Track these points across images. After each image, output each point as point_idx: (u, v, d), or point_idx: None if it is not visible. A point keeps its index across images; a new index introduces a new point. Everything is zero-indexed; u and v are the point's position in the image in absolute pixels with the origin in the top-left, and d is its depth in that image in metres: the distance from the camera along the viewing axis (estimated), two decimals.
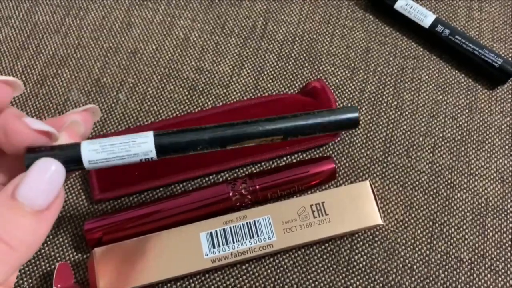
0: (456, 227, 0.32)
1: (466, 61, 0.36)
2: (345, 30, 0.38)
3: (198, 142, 0.19)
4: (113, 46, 0.38)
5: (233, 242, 0.28)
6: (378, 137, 0.34)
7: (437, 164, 0.34)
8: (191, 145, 0.19)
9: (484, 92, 0.36)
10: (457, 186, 0.33)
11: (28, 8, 0.39)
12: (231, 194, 0.30)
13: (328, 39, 0.38)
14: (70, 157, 0.18)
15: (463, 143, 0.34)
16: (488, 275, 0.30)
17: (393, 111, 0.35)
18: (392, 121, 0.35)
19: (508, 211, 0.32)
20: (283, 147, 0.33)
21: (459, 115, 0.35)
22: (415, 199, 0.32)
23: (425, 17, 0.37)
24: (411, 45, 0.38)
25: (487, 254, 0.31)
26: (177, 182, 0.33)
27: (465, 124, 0.35)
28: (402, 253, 0.31)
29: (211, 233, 0.28)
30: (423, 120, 0.35)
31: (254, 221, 0.29)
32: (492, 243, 0.31)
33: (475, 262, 0.31)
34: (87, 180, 0.33)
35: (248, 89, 0.36)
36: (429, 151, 0.34)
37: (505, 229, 0.32)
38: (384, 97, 0.36)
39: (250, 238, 0.28)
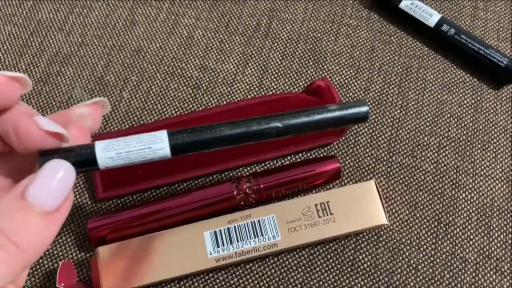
0: (461, 228, 0.32)
1: (472, 60, 0.36)
2: (349, 29, 0.38)
3: (215, 141, 0.19)
4: (117, 44, 0.38)
5: (237, 241, 0.28)
6: (383, 137, 0.34)
7: (442, 164, 0.33)
8: (207, 144, 0.19)
9: (490, 92, 0.36)
10: (462, 186, 0.33)
11: (31, 5, 0.39)
12: (235, 193, 0.30)
13: (332, 38, 0.38)
14: (85, 162, 0.18)
15: (468, 143, 0.34)
16: (494, 276, 0.30)
17: (398, 111, 0.35)
18: (397, 120, 0.35)
19: None
20: (287, 146, 0.33)
21: (464, 115, 0.35)
22: (420, 199, 0.32)
23: (430, 16, 0.37)
24: (416, 44, 0.38)
25: (492, 254, 0.31)
26: (180, 181, 0.33)
27: (470, 124, 0.35)
28: (407, 253, 0.31)
29: (215, 232, 0.28)
30: (428, 119, 0.35)
31: (259, 220, 0.29)
32: (498, 243, 0.31)
33: (480, 263, 0.31)
34: (90, 179, 0.33)
35: (252, 88, 0.36)
36: (434, 151, 0.34)
37: (510, 230, 0.31)
38: (389, 96, 0.36)
39: (255, 237, 0.28)
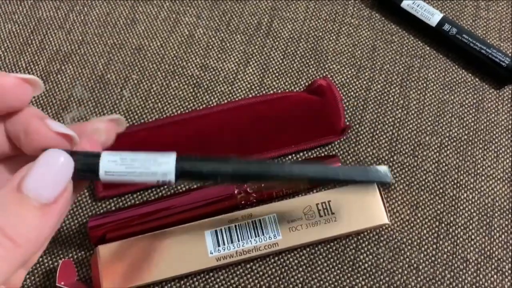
0: (462, 227, 0.31)
1: (473, 60, 0.36)
2: (351, 28, 0.38)
3: (220, 173, 0.19)
4: (118, 42, 0.37)
5: (238, 241, 0.28)
6: (384, 136, 0.34)
7: (444, 164, 0.33)
8: (211, 175, 0.19)
9: (491, 92, 0.36)
10: (463, 186, 0.33)
11: (31, 3, 0.39)
12: (236, 192, 0.30)
13: (334, 37, 0.38)
14: (87, 164, 0.18)
15: (470, 143, 0.34)
16: (495, 276, 0.30)
17: (399, 110, 0.35)
18: (398, 120, 0.35)
19: None
20: (288, 146, 0.33)
21: (465, 115, 0.35)
22: (421, 198, 0.32)
23: (432, 16, 0.37)
24: (418, 43, 0.38)
25: (494, 254, 0.31)
26: None
27: (472, 124, 0.35)
28: (408, 253, 0.31)
29: (216, 231, 0.28)
30: (430, 119, 0.35)
31: (260, 220, 0.28)
32: (499, 243, 0.31)
33: (482, 263, 0.31)
34: None
35: (253, 87, 0.36)
36: (435, 151, 0.34)
37: (511, 230, 0.31)
38: (390, 96, 0.36)
39: (255, 236, 0.28)
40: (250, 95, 0.36)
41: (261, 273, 0.30)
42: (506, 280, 0.30)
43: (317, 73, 0.36)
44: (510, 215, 0.32)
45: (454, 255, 0.31)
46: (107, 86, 0.36)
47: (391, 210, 0.32)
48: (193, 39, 0.38)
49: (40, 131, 0.17)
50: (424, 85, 0.36)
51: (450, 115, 0.35)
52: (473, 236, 0.31)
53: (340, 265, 0.30)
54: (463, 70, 0.37)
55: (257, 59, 0.37)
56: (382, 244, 0.31)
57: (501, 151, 0.34)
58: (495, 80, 0.36)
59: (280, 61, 0.37)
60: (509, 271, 0.30)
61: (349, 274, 0.30)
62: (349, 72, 0.36)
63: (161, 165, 0.18)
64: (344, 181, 0.21)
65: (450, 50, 0.37)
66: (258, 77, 0.36)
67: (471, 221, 0.32)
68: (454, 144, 0.34)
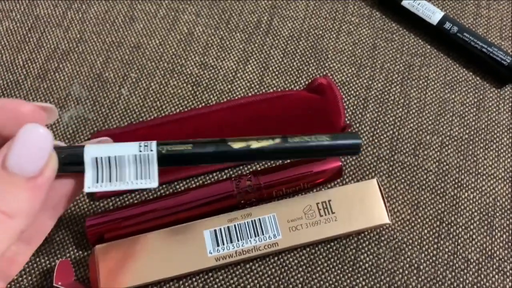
0: (463, 227, 0.31)
1: (474, 59, 0.36)
2: (351, 26, 0.38)
3: (201, 154, 0.20)
4: (116, 40, 0.37)
5: (238, 240, 0.28)
6: (385, 135, 0.34)
7: (445, 163, 0.33)
8: (192, 156, 0.20)
9: (492, 91, 0.36)
10: (464, 185, 0.32)
11: (29, 1, 0.38)
12: (235, 191, 0.30)
13: (334, 35, 0.38)
14: (72, 153, 0.19)
15: (471, 142, 0.34)
16: (496, 276, 0.30)
17: (400, 109, 0.35)
18: (399, 119, 0.34)
19: None
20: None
21: (466, 114, 0.35)
22: (422, 198, 0.32)
23: (433, 14, 0.36)
24: (419, 42, 0.37)
25: (495, 254, 0.31)
26: (180, 179, 0.32)
27: (473, 123, 0.34)
28: (409, 253, 0.30)
29: (215, 231, 0.28)
30: (430, 118, 0.35)
31: (259, 219, 0.28)
32: (500, 243, 0.31)
33: (483, 263, 0.30)
34: None
35: (253, 85, 0.36)
36: (436, 150, 0.33)
37: None
38: (390, 94, 0.35)
39: (255, 236, 0.28)
40: (250, 94, 0.35)
41: (260, 273, 0.30)
42: (508, 280, 0.30)
43: (317, 71, 0.36)
44: (511, 215, 0.32)
45: (455, 255, 0.30)
46: (105, 85, 0.35)
47: (392, 209, 0.32)
48: (192, 37, 0.37)
49: (16, 108, 0.17)
50: (425, 84, 0.36)
51: (451, 114, 0.35)
52: (474, 236, 0.31)
53: (340, 265, 0.30)
54: (464, 69, 0.36)
55: (256, 58, 0.37)
56: (382, 244, 0.31)
57: (502, 150, 0.34)
58: (496, 79, 0.36)
59: (280, 60, 0.37)
60: (511, 271, 0.30)
61: (349, 274, 0.30)
62: (350, 70, 0.36)
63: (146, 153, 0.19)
64: (311, 152, 0.21)
65: (451, 48, 0.37)
66: (258, 75, 0.36)
67: (472, 221, 0.31)
68: (455, 143, 0.34)
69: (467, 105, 0.35)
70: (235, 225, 0.28)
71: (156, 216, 0.30)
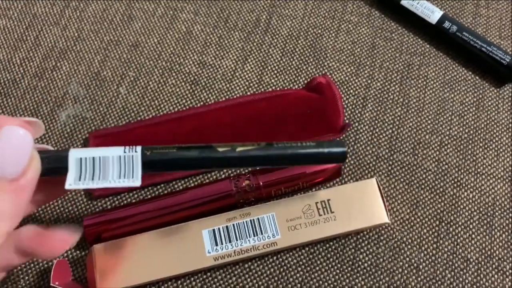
0: (463, 227, 0.31)
1: (474, 58, 0.36)
2: (350, 25, 0.38)
3: (185, 158, 0.20)
4: (114, 39, 0.37)
5: (236, 240, 0.28)
6: (384, 135, 0.34)
7: (444, 163, 0.33)
8: (177, 161, 0.20)
9: (492, 90, 0.36)
10: (464, 185, 0.32)
11: None
12: (234, 190, 0.30)
13: (333, 34, 0.37)
14: (57, 156, 0.19)
15: (470, 141, 0.34)
16: (495, 276, 0.30)
17: (399, 108, 0.35)
18: (398, 118, 0.34)
19: None
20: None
21: (466, 113, 0.35)
22: (421, 197, 0.32)
23: (432, 13, 0.36)
24: (418, 41, 0.37)
25: (494, 254, 0.30)
26: (178, 179, 0.32)
27: (472, 122, 0.34)
28: (408, 253, 0.30)
29: (213, 230, 0.28)
30: (430, 117, 0.34)
31: (258, 219, 0.28)
32: (500, 243, 0.31)
33: (482, 262, 0.30)
34: None
35: (251, 84, 0.35)
36: (435, 149, 0.33)
37: None
38: (390, 94, 0.35)
39: (254, 235, 0.28)
40: (248, 93, 0.35)
41: (259, 272, 0.30)
42: (507, 279, 0.30)
43: (316, 70, 0.36)
44: (510, 214, 0.32)
45: (455, 255, 0.30)
46: (103, 83, 0.35)
47: (391, 209, 0.32)
48: (191, 36, 0.37)
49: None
50: (424, 83, 0.36)
51: (450, 113, 0.35)
52: (473, 236, 0.31)
53: (339, 265, 0.30)
54: (463, 68, 0.36)
55: (255, 56, 0.36)
56: (382, 244, 0.31)
57: (501, 150, 0.34)
58: (495, 78, 0.36)
59: (279, 59, 0.36)
60: (510, 271, 0.30)
61: (348, 274, 0.30)
62: (349, 69, 0.36)
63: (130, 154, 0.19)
64: (296, 159, 0.21)
65: (450, 48, 0.37)
66: (257, 74, 0.36)
67: (471, 220, 0.31)
68: (454, 142, 0.34)
69: (466, 104, 0.35)
70: (233, 225, 0.28)
71: (154, 215, 0.29)
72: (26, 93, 0.35)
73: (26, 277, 0.29)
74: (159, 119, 0.33)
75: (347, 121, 0.34)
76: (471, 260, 0.30)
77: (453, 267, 0.30)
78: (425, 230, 0.31)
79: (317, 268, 0.30)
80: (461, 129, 0.34)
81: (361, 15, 0.38)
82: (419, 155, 0.33)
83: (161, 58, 0.36)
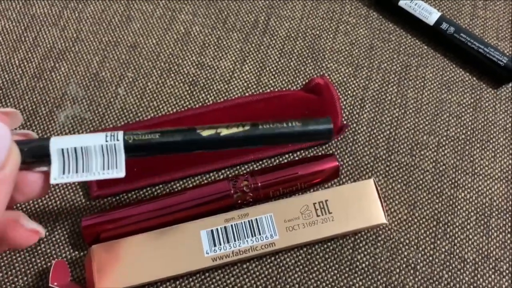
0: (460, 227, 0.31)
1: (471, 59, 0.36)
2: (348, 26, 0.38)
3: (168, 142, 0.20)
4: (113, 40, 0.37)
5: (235, 240, 0.28)
6: (382, 135, 0.34)
7: (441, 163, 0.33)
8: (160, 145, 0.20)
9: (489, 91, 0.36)
10: (461, 185, 0.32)
11: (25, 0, 0.38)
12: (232, 191, 0.30)
13: (331, 35, 0.38)
14: (38, 145, 0.19)
15: (467, 142, 0.34)
16: (492, 276, 0.30)
17: (397, 109, 0.35)
18: (396, 119, 0.35)
19: None
20: (285, 145, 0.33)
21: (463, 114, 0.35)
22: (418, 198, 0.32)
23: (430, 15, 0.36)
24: (415, 42, 0.37)
25: (491, 254, 0.31)
26: (177, 179, 0.32)
27: (470, 123, 0.35)
28: (406, 253, 0.30)
29: (212, 231, 0.28)
30: (427, 118, 0.35)
31: (256, 219, 0.28)
32: (497, 243, 0.31)
33: (479, 263, 0.30)
34: None
35: (250, 85, 0.36)
36: (433, 150, 0.34)
37: (509, 230, 0.31)
38: (387, 95, 0.35)
39: (252, 236, 0.28)
40: (247, 94, 0.35)
41: (257, 273, 0.30)
42: (504, 280, 0.30)
43: (314, 71, 0.36)
44: (507, 215, 0.32)
45: (452, 255, 0.31)
46: (101, 84, 0.35)
47: (389, 209, 0.32)
48: (189, 37, 0.37)
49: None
50: (422, 84, 0.36)
51: (447, 114, 0.35)
52: (470, 236, 0.31)
53: (337, 265, 0.30)
54: (461, 69, 0.36)
55: (254, 57, 0.37)
56: (379, 244, 0.31)
57: (498, 151, 0.34)
58: (492, 79, 0.36)
59: (277, 60, 0.36)
60: (507, 271, 0.30)
61: (346, 274, 0.30)
62: (347, 70, 0.36)
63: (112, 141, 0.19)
64: (282, 138, 0.20)
65: (448, 49, 0.37)
66: (255, 75, 0.36)
67: (468, 221, 0.31)
68: (452, 143, 0.34)
69: (463, 105, 0.35)
70: (232, 225, 0.28)
71: (152, 216, 0.30)
72: (25, 94, 0.35)
73: (25, 278, 0.29)
74: (157, 120, 0.33)
75: (345, 122, 0.34)
76: (468, 260, 0.30)
77: (451, 267, 0.30)
78: (422, 231, 0.31)
79: (315, 268, 0.30)
80: (458, 130, 0.34)
81: (359, 16, 0.38)
82: (416, 156, 0.33)
83: (159, 59, 0.36)
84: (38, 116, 0.34)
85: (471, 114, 0.35)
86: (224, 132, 0.20)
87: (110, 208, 0.31)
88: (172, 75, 0.36)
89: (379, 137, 0.34)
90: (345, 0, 0.39)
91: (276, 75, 0.36)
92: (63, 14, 0.38)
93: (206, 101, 0.35)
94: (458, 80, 0.36)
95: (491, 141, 0.34)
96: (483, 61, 0.35)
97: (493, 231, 0.31)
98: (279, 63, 0.36)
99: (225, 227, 0.28)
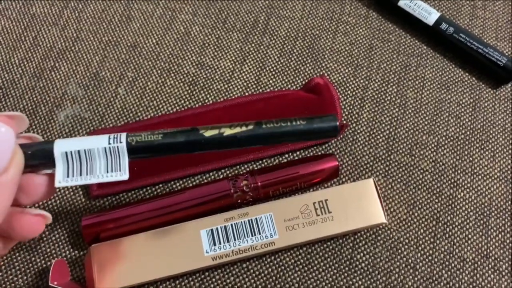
0: (459, 227, 0.31)
1: (470, 59, 0.36)
2: (348, 26, 0.38)
3: (171, 143, 0.20)
4: (113, 39, 0.37)
5: (234, 240, 0.28)
6: (381, 135, 0.34)
7: (441, 163, 0.33)
8: (163, 146, 0.20)
9: (488, 91, 0.36)
10: (460, 185, 0.33)
11: None
12: (232, 191, 0.30)
13: (331, 35, 0.38)
14: (42, 149, 0.19)
15: (467, 142, 0.34)
16: (492, 275, 0.30)
17: (396, 109, 0.35)
18: (395, 119, 0.35)
19: None
20: (285, 144, 0.33)
21: (462, 114, 0.35)
22: (418, 198, 0.32)
23: (429, 15, 0.36)
24: (415, 42, 0.37)
25: (491, 254, 0.31)
26: (177, 179, 0.32)
27: (469, 123, 0.35)
28: (405, 253, 0.31)
29: (212, 230, 0.28)
30: (427, 118, 0.35)
31: (256, 219, 0.28)
32: (496, 243, 0.31)
33: (479, 262, 0.30)
34: None
35: (249, 85, 0.36)
36: (432, 150, 0.34)
37: (508, 229, 0.31)
38: (387, 94, 0.35)
39: (252, 235, 0.28)
40: (247, 93, 0.35)
41: (257, 272, 0.30)
42: (503, 279, 0.30)
43: (314, 71, 0.36)
44: (507, 214, 0.32)
45: (451, 255, 0.31)
46: (101, 84, 0.35)
47: (388, 209, 0.32)
48: (189, 37, 0.37)
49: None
50: (421, 84, 0.36)
51: (447, 114, 0.35)
52: (470, 236, 0.31)
53: (337, 265, 0.30)
54: (460, 69, 0.37)
55: (253, 57, 0.37)
56: (379, 244, 0.31)
57: (497, 150, 0.34)
58: (492, 79, 0.36)
59: (277, 59, 0.37)
60: (506, 271, 0.30)
61: (346, 274, 0.30)
62: (346, 70, 0.36)
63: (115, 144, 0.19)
64: (287, 137, 0.20)
65: (447, 49, 0.37)
66: (255, 75, 0.36)
67: (468, 220, 0.32)
68: (451, 143, 0.34)
69: (463, 105, 0.35)
70: (231, 225, 0.28)
71: (152, 215, 0.30)
72: (25, 93, 0.35)
73: (25, 277, 0.30)
74: (157, 120, 0.33)
75: (344, 122, 0.34)
76: (468, 260, 0.30)
77: (450, 267, 0.30)
78: (422, 230, 0.31)
79: (315, 268, 0.30)
80: (457, 129, 0.34)
81: (358, 16, 0.38)
82: (416, 156, 0.33)
83: (159, 59, 0.36)
84: (38, 115, 0.34)
85: (470, 114, 0.35)
86: (227, 132, 0.19)
87: (110, 207, 0.32)
88: (172, 75, 0.36)
89: (378, 137, 0.34)
90: (345, 0, 0.39)
91: (276, 75, 0.36)
92: (63, 14, 0.38)
93: (206, 101, 0.35)
94: (457, 80, 0.36)
95: (491, 141, 0.34)
96: (483, 61, 0.35)
97: (492, 230, 0.31)
98: (279, 63, 0.36)
99: (225, 227, 0.28)
